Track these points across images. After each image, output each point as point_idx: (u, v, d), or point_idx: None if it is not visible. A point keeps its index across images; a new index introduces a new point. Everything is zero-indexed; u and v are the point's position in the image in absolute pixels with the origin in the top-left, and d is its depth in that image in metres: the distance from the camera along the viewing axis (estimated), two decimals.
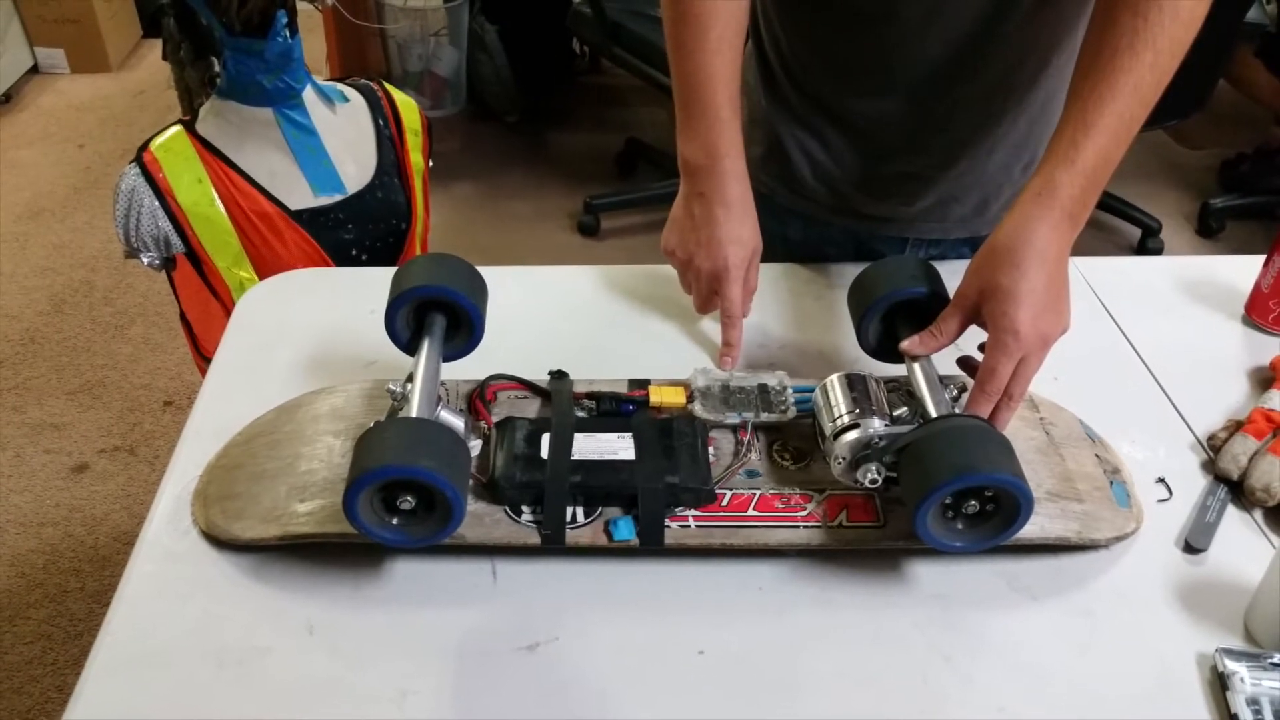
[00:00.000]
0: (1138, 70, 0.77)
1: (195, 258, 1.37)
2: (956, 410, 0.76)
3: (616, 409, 0.84)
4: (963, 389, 0.82)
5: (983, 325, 0.77)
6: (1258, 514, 0.82)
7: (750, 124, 1.11)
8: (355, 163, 1.41)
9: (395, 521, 0.70)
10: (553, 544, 0.74)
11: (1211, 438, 0.88)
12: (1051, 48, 0.96)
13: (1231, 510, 0.82)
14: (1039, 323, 0.74)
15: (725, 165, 0.92)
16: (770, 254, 1.00)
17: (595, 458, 0.77)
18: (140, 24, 3.61)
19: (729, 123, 0.91)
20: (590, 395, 0.85)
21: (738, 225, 0.92)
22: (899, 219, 1.07)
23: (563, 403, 0.83)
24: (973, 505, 0.70)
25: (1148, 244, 2.74)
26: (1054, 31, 0.95)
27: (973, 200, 1.06)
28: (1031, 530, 0.73)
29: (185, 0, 1.30)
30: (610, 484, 0.76)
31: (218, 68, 1.34)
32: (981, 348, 0.77)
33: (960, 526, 0.71)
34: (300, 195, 1.37)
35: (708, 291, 0.95)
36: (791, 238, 1.11)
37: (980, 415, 0.74)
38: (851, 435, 0.74)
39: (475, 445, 0.79)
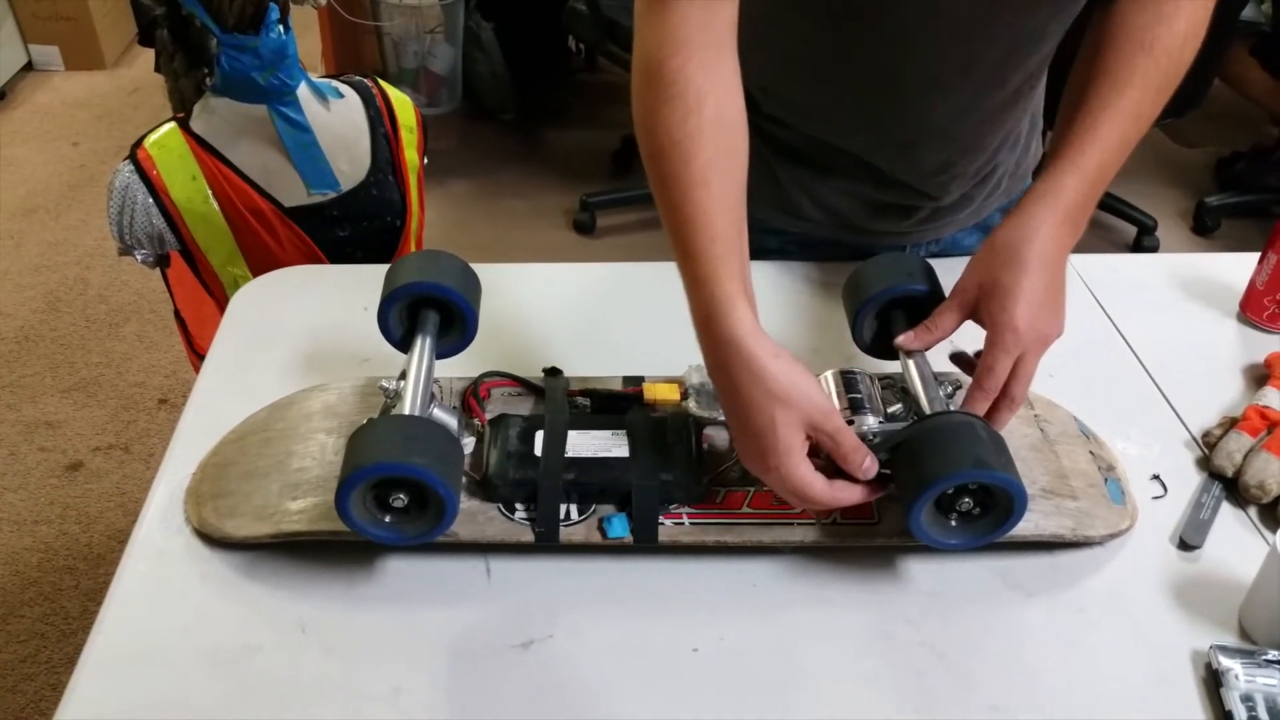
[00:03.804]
0: (1142, 92, 0.79)
1: (189, 255, 1.37)
2: (951, 407, 0.76)
3: (610, 406, 0.83)
4: (957, 386, 0.82)
5: (980, 322, 0.77)
6: (1252, 511, 0.82)
7: None
8: (350, 160, 1.41)
9: (388, 519, 0.70)
10: (546, 542, 0.74)
11: (1206, 435, 0.88)
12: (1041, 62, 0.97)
13: (1226, 507, 0.82)
14: (1037, 321, 0.74)
15: (721, 334, 0.70)
16: (766, 259, 1.00)
17: (589, 455, 0.77)
18: (135, 32, 3.60)
19: (720, 276, 0.70)
20: (584, 392, 0.84)
21: (766, 414, 0.68)
22: (896, 232, 1.07)
23: (557, 400, 0.83)
24: (967, 503, 0.70)
25: (1143, 242, 2.74)
26: (1042, 67, 0.96)
27: (965, 209, 1.07)
28: (1026, 527, 0.73)
29: (179, 2, 1.29)
30: (604, 481, 0.76)
31: (210, 70, 1.33)
32: (977, 356, 0.77)
33: (954, 524, 0.71)
34: (294, 192, 1.37)
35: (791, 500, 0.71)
36: (788, 249, 1.11)
37: (977, 413, 0.74)
38: None
39: (469, 443, 0.79)
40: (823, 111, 0.99)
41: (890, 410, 0.78)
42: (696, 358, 0.86)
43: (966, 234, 1.11)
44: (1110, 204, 2.74)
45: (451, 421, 0.76)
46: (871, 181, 1.02)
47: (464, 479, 0.75)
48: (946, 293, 0.82)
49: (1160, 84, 0.79)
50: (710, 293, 0.71)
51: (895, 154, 0.98)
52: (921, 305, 0.83)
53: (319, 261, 1.39)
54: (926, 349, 0.80)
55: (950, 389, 0.81)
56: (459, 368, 0.84)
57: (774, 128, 1.02)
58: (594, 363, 0.90)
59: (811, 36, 0.92)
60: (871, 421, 0.74)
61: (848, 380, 0.78)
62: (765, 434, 0.69)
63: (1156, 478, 0.84)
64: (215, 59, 1.30)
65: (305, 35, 2.07)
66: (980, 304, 0.77)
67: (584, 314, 1.01)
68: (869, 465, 0.71)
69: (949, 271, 0.85)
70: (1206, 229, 2.82)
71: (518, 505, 0.75)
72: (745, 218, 0.74)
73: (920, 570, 0.76)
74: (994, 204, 1.09)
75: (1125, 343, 1.00)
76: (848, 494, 0.71)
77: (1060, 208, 0.77)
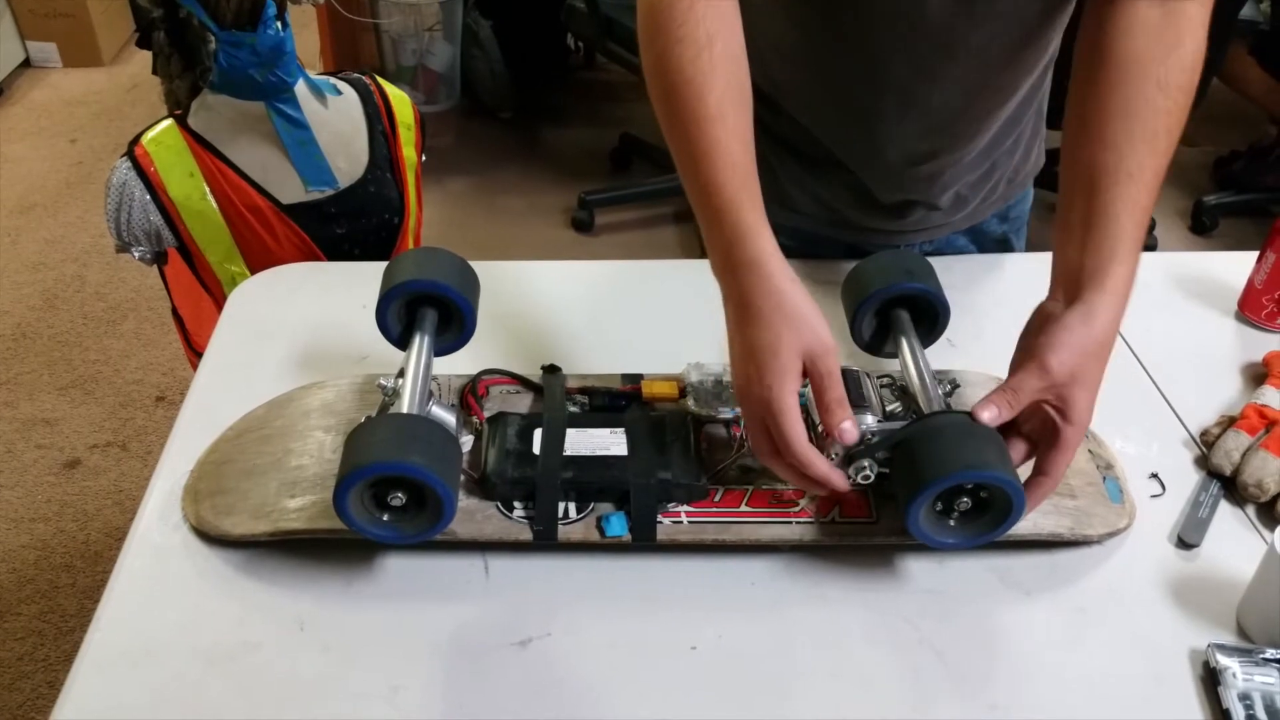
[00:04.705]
0: (1169, 137, 0.77)
1: (187, 252, 1.37)
2: (950, 406, 0.76)
3: (609, 404, 0.83)
4: (955, 385, 0.82)
5: (1050, 402, 0.72)
6: (1250, 510, 0.82)
7: None
8: (347, 157, 1.41)
9: (386, 518, 0.69)
10: (545, 540, 0.74)
11: (1204, 433, 0.88)
12: (1040, 66, 0.96)
13: (1224, 506, 0.82)
14: (1091, 412, 0.72)
15: (743, 257, 0.71)
16: None
17: (587, 453, 0.77)
18: (133, 30, 3.59)
19: (742, 204, 0.72)
20: (583, 390, 0.84)
21: (772, 331, 0.69)
22: (890, 230, 1.07)
23: (555, 398, 0.83)
24: (965, 502, 0.70)
25: None
26: (1047, 55, 0.95)
27: (960, 211, 1.07)
28: (1024, 526, 0.73)
29: (177, 3, 1.29)
30: (602, 480, 0.76)
31: (205, 72, 1.33)
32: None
33: (952, 523, 0.71)
34: (292, 189, 1.37)
35: (772, 444, 0.70)
36: (787, 245, 1.11)
37: (1038, 499, 0.72)
38: None
39: (467, 441, 0.78)
40: (813, 97, 0.99)
41: (889, 409, 0.78)
42: (695, 355, 0.86)
43: (959, 234, 1.11)
44: None
45: (450, 419, 0.76)
46: (864, 182, 1.02)
47: (462, 477, 0.75)
48: (946, 292, 0.82)
49: (1181, 122, 0.77)
50: (735, 220, 0.72)
51: (885, 144, 0.98)
52: (922, 304, 0.82)
53: (317, 259, 1.39)
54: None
55: (949, 388, 0.81)
56: (457, 365, 0.84)
57: (767, 115, 1.02)
58: (592, 360, 0.90)
59: (800, 20, 0.92)
60: (870, 420, 0.74)
61: (846, 379, 0.77)
62: (767, 350, 0.69)
63: (1155, 476, 0.84)
64: (213, 56, 1.30)
65: (304, 32, 2.07)
66: (1057, 394, 0.71)
67: (582, 312, 1.01)
68: (849, 428, 0.70)
69: (945, 270, 0.86)
70: (1204, 228, 2.82)
71: (516, 503, 0.75)
72: (755, 153, 0.76)
73: (919, 569, 0.76)
74: (990, 209, 1.09)
75: (1124, 341, 1.00)
76: (820, 462, 0.69)
77: (1126, 296, 0.74)
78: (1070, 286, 0.73)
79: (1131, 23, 0.76)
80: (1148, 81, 0.75)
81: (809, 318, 0.70)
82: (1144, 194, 0.74)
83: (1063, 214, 0.77)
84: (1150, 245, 2.72)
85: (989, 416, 0.70)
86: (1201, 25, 0.78)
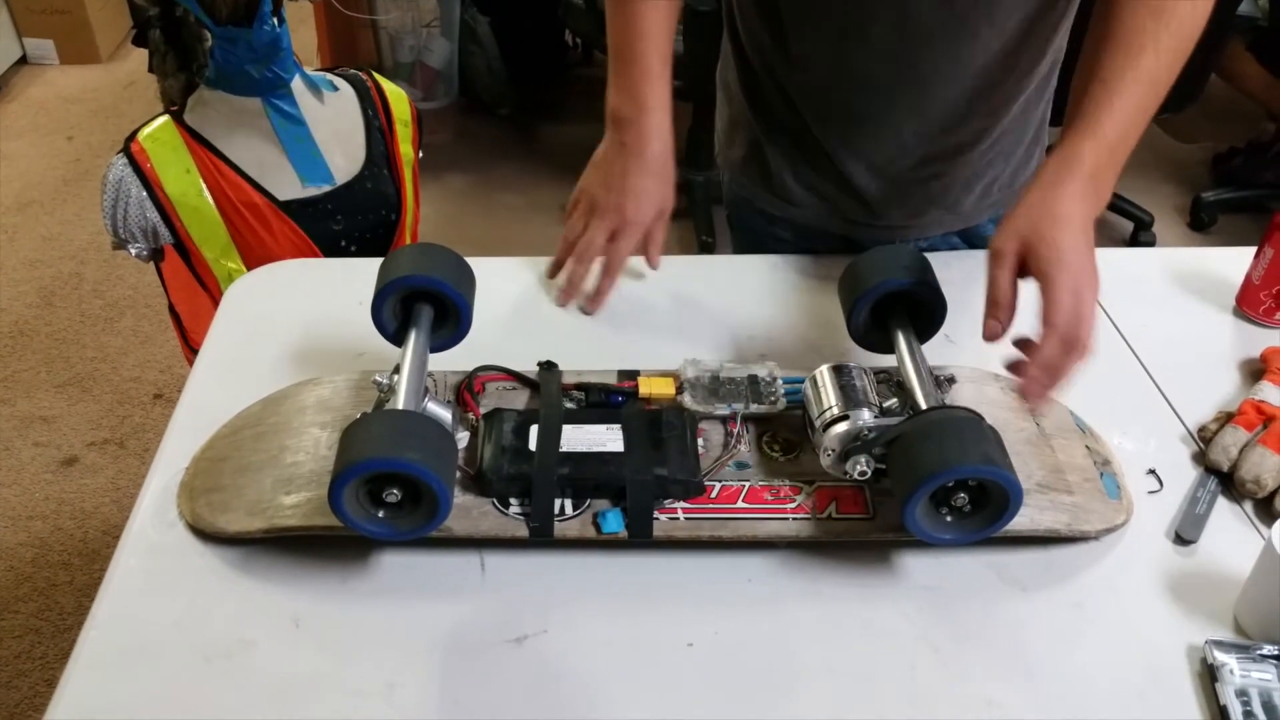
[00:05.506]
0: (1156, 57, 0.78)
1: (183, 249, 1.36)
2: (946, 402, 0.76)
3: (605, 400, 0.83)
4: (952, 380, 0.81)
5: (1028, 273, 0.75)
6: (1248, 505, 0.82)
7: (731, 126, 1.11)
8: (344, 153, 1.40)
9: (381, 514, 0.69)
10: (541, 536, 0.74)
11: (1202, 429, 0.87)
12: (1040, 71, 0.97)
13: (1222, 502, 0.82)
14: (1086, 265, 0.74)
15: (648, 119, 0.95)
16: (760, 249, 0.99)
17: (584, 449, 0.77)
18: (130, 27, 3.59)
19: (658, 77, 0.95)
20: (579, 386, 0.84)
21: (651, 180, 0.96)
22: (885, 225, 1.07)
23: (551, 394, 0.82)
24: (962, 498, 0.70)
25: (1140, 237, 2.74)
26: (1047, 60, 0.95)
27: (957, 210, 1.07)
28: (1021, 522, 0.73)
29: (173, 1, 1.29)
30: (599, 476, 0.76)
31: (199, 71, 1.33)
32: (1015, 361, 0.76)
33: (950, 519, 0.71)
34: (289, 186, 1.37)
35: (602, 239, 0.97)
36: (781, 236, 1.11)
37: (1050, 362, 0.72)
38: (841, 427, 0.74)
39: (463, 437, 0.78)
40: (813, 88, 1.00)
41: (886, 405, 0.78)
42: (692, 351, 0.86)
43: (952, 234, 1.11)
44: None
45: (445, 415, 0.75)
46: (862, 172, 1.02)
47: (458, 473, 0.75)
48: (943, 288, 0.82)
49: (1172, 47, 0.79)
50: (648, 88, 0.96)
51: (882, 130, 0.98)
52: (919, 300, 0.82)
53: (313, 255, 1.39)
54: (1009, 325, 0.76)
55: (946, 384, 0.81)
56: (453, 361, 0.84)
57: (770, 111, 1.02)
58: (589, 356, 0.89)
59: (795, 14, 0.93)
60: (867, 416, 0.74)
61: (843, 374, 0.78)
62: (658, 154, 0.96)
63: (1152, 472, 0.84)
64: (209, 52, 1.30)
65: (301, 28, 2.07)
66: (1027, 256, 0.75)
67: (578, 308, 1.01)
68: (653, 253, 1.00)
69: (942, 266, 0.85)
70: (1203, 224, 2.82)
71: (512, 500, 0.75)
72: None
73: (915, 565, 0.76)
74: (985, 213, 1.09)
75: (1122, 337, 1.00)
76: (625, 244, 0.97)
77: (1079, 174, 0.76)
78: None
79: None
80: (1143, 7, 0.79)
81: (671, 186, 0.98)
82: (1114, 98, 0.78)
83: None
84: (1149, 241, 2.74)
85: (994, 331, 0.75)
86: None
